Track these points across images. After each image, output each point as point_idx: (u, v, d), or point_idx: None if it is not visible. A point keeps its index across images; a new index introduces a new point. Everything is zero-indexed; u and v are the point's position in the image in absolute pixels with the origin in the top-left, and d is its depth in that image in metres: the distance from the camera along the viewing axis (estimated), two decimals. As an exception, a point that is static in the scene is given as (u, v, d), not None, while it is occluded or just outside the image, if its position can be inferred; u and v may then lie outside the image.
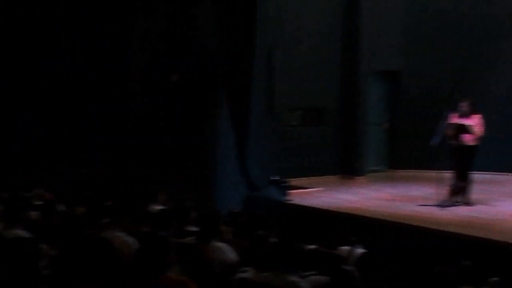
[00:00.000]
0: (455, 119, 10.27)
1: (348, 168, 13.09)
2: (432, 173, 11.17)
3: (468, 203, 10.21)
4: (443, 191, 10.06)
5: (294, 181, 11.53)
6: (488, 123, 10.49)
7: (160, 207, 7.89)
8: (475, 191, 10.70)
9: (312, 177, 12.48)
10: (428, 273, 4.98)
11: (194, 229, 6.77)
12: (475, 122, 10.15)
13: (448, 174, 10.31)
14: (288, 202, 10.56)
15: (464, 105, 10.27)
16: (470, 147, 10.24)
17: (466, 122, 10.14)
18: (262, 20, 11.23)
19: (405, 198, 10.90)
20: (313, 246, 6.95)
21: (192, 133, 10.96)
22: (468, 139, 10.18)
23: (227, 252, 6.13)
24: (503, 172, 13.42)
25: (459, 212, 9.79)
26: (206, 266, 5.68)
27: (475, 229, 8.61)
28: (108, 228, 6.24)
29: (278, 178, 10.94)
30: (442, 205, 9.98)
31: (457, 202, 10.21)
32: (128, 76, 11.36)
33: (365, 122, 13.28)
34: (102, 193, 8.36)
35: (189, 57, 10.97)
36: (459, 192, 10.26)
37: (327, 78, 12.95)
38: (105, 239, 5.98)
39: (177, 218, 7.03)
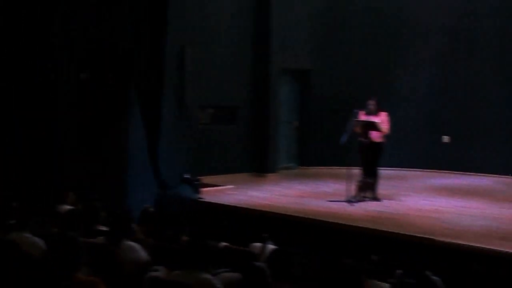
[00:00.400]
0: (363, 117, 10.53)
1: (259, 166, 13.20)
2: (341, 170, 11.40)
3: (375, 199, 10.48)
4: (352, 187, 10.28)
5: (206, 179, 11.51)
6: (394, 121, 10.80)
7: (69, 208, 7.71)
8: (383, 187, 11.01)
9: (224, 175, 12.51)
10: (337, 267, 5.07)
11: (104, 229, 6.66)
12: (382, 119, 10.44)
13: (356, 171, 10.55)
14: (200, 200, 10.53)
15: (371, 103, 10.54)
16: (378, 144, 10.52)
17: (374, 119, 10.41)
18: (173, 18, 11.14)
19: (315, 194, 11.08)
20: (225, 244, 6.97)
21: (102, 131, 10.76)
22: (375, 136, 10.46)
23: (138, 251, 6.06)
24: (409, 168, 13.86)
25: (367, 207, 10.02)
26: (117, 266, 5.59)
27: (382, 224, 8.83)
28: (15, 229, 6.06)
29: (190, 176, 10.90)
30: (351, 200, 10.20)
31: (365, 197, 10.46)
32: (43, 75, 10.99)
33: (276, 120, 13.42)
34: (8, 194, 8.09)
35: (99, 55, 10.77)
36: (367, 187, 10.52)
37: (239, 77, 13.01)
38: (12, 241, 5.80)
39: (87, 218, 6.89)
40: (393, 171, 13.23)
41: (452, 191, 11.57)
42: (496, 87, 13.44)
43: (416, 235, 8.17)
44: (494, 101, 13.46)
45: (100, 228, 6.75)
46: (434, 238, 7.99)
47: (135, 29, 10.46)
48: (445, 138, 13.91)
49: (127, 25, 10.51)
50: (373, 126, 10.34)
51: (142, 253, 6.09)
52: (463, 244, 7.72)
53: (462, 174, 13.47)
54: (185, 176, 10.83)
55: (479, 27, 13.55)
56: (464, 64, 13.71)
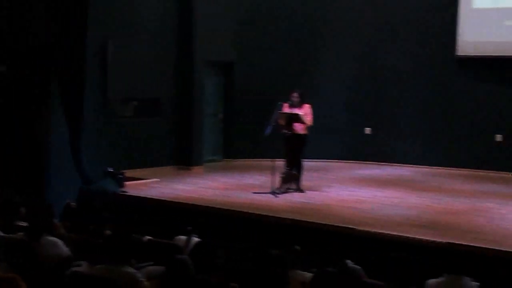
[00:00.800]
0: (286, 109, 10.65)
1: (184, 159, 13.15)
2: (266, 162, 11.50)
3: (300, 190, 10.62)
4: (276, 179, 10.38)
5: (129, 173, 11.40)
6: (317, 113, 10.96)
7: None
8: (307, 178, 11.16)
9: (148, 169, 12.39)
10: (261, 258, 5.13)
11: (23, 224, 6.52)
12: (305, 111, 10.57)
13: (281, 163, 10.66)
14: (123, 193, 10.43)
15: (295, 95, 10.66)
16: (301, 136, 10.66)
17: (297, 111, 10.53)
18: (95, 10, 10.97)
19: (240, 186, 11.14)
20: (149, 237, 6.94)
21: (23, 126, 10.52)
22: (299, 128, 10.58)
23: (60, 246, 5.97)
24: (332, 159, 14.09)
25: (292, 199, 10.14)
26: (37, 262, 5.49)
27: (306, 215, 8.96)
28: None
29: (113, 170, 10.78)
30: (275, 192, 10.30)
31: (289, 189, 10.57)
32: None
33: (201, 112, 13.39)
34: None
35: (19, 48, 10.50)
36: (291, 179, 10.64)
37: (162, 69, 12.90)
38: None
39: (5, 214, 6.74)
40: (317, 163, 13.43)
41: (374, 182, 11.84)
42: (414, 79, 13.79)
43: (338, 225, 8.34)
44: (412, 94, 13.81)
45: (20, 224, 6.62)
46: (355, 227, 8.18)
47: (55, 21, 10.24)
48: (367, 130, 14.20)
49: (47, 18, 10.29)
50: (297, 118, 10.46)
51: (63, 249, 6.00)
52: (383, 233, 7.94)
53: (384, 164, 13.79)
54: (108, 169, 10.70)
55: (399, 20, 13.86)
56: (384, 56, 14.00)
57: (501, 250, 7.26)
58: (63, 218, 7.60)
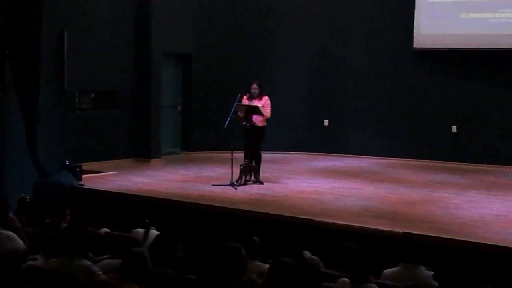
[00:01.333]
0: (245, 101, 10.65)
1: (142, 151, 13.07)
2: (225, 154, 11.50)
3: (258, 182, 10.65)
4: (235, 171, 10.39)
5: (87, 166, 11.30)
6: (275, 105, 10.99)
7: None
8: (266, 170, 11.21)
9: (106, 161, 12.30)
10: (220, 250, 5.14)
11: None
12: (263, 103, 10.59)
13: (240, 155, 10.67)
14: (80, 186, 10.32)
15: (254, 87, 10.66)
16: (260, 128, 10.67)
17: (256, 103, 10.54)
18: (51, 0, 10.82)
19: (199, 179, 11.11)
20: (106, 230, 6.90)
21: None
22: (257, 120, 10.60)
23: (15, 240, 5.91)
24: (291, 151, 14.15)
25: (251, 190, 10.16)
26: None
27: (264, 206, 8.99)
28: None
29: (70, 163, 10.66)
30: (234, 184, 10.31)
31: (248, 181, 10.59)
32: None
33: (159, 105, 13.31)
34: None
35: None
36: (250, 171, 10.66)
37: (120, 61, 12.79)
38: None
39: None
40: (275, 155, 13.48)
41: (332, 173, 11.93)
42: (372, 72, 13.92)
43: (297, 216, 8.39)
44: (370, 86, 13.94)
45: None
46: (313, 218, 8.23)
47: (9, 11, 10.06)
48: (325, 122, 14.29)
49: (1, 7, 10.09)
50: (255, 110, 10.47)
51: (18, 242, 5.94)
52: (341, 224, 8.01)
53: (341, 156, 13.89)
54: (65, 162, 10.57)
55: (356, 13, 13.96)
56: (342, 48, 14.09)
57: (456, 240, 7.38)
58: (18, 212, 7.50)
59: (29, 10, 10.08)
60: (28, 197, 8.64)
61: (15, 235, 5.92)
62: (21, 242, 5.90)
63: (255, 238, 6.09)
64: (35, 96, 10.19)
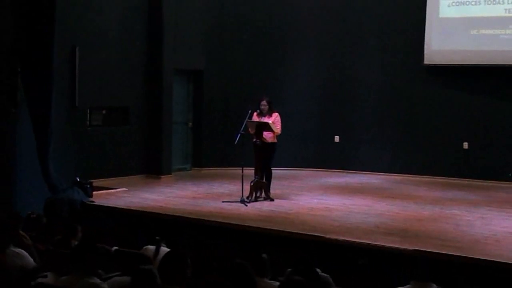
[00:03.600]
0: (256, 118, 10.66)
1: (153, 168, 13.09)
2: (236, 170, 11.49)
3: (269, 198, 10.63)
4: (246, 188, 10.38)
5: (98, 182, 11.31)
6: (285, 121, 11.00)
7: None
8: (276, 187, 11.19)
9: (117, 178, 12.32)
10: (229, 267, 5.11)
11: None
12: (274, 120, 10.60)
13: (250, 171, 10.66)
14: (91, 203, 10.33)
15: (263, 104, 10.68)
16: (270, 144, 10.67)
17: (266, 120, 10.55)
18: (63, 16, 10.88)
19: (209, 195, 11.11)
20: (116, 247, 6.88)
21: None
22: (268, 136, 10.60)
23: (25, 257, 5.90)
24: (301, 167, 14.12)
25: (261, 207, 10.15)
26: (2, 273, 5.42)
27: (275, 223, 8.97)
28: None
29: (81, 179, 10.67)
30: (244, 201, 10.30)
31: (259, 197, 10.59)
32: None
33: (170, 121, 13.35)
34: None
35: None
36: (261, 188, 10.65)
37: (131, 77, 12.85)
38: None
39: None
40: (286, 171, 13.47)
41: (343, 190, 11.90)
42: (382, 88, 13.90)
43: (307, 233, 8.35)
44: (380, 102, 13.92)
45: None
46: (324, 235, 8.20)
47: (21, 28, 10.13)
48: (336, 138, 14.27)
49: (14, 25, 10.17)
50: (266, 126, 10.48)
51: (29, 259, 5.93)
52: (351, 241, 7.97)
53: (352, 172, 13.86)
54: (76, 179, 10.59)
55: (367, 29, 13.97)
56: (352, 65, 14.10)
57: (468, 257, 7.33)
58: (28, 228, 7.49)
59: (41, 26, 10.14)
60: (34, 214, 8.64)
61: (25, 253, 5.91)
62: (31, 260, 5.90)
63: (264, 255, 6.06)
64: (47, 113, 10.22)
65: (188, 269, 5.51)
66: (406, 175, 13.44)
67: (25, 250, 6.05)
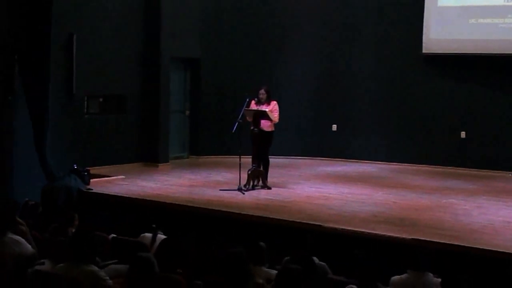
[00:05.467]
0: (253, 106, 10.65)
1: (150, 156, 13.08)
2: (233, 159, 11.48)
3: (266, 187, 10.63)
4: (243, 176, 10.37)
5: (95, 170, 11.31)
6: (283, 109, 10.99)
7: None
8: (273, 175, 11.19)
9: (114, 165, 12.30)
10: (225, 255, 5.11)
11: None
12: (272, 108, 10.58)
13: (248, 159, 10.66)
14: (88, 191, 10.33)
15: (262, 92, 10.67)
16: (268, 133, 10.67)
17: (264, 108, 10.54)
18: (60, 4, 10.84)
19: (207, 183, 11.10)
20: (114, 235, 6.89)
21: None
22: (265, 125, 10.59)
23: (22, 244, 5.89)
24: (298, 156, 14.12)
25: (258, 195, 10.15)
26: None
27: (272, 212, 8.97)
28: None
29: (78, 167, 10.66)
30: (242, 189, 10.30)
31: (256, 186, 10.59)
32: None
33: (167, 109, 13.32)
34: None
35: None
36: (258, 176, 10.65)
37: (128, 66, 12.81)
38: None
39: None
40: (283, 160, 13.45)
41: (340, 178, 11.90)
42: (380, 77, 13.87)
43: (304, 221, 8.36)
44: (378, 91, 13.90)
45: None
46: (321, 224, 8.20)
47: (18, 16, 10.09)
48: (334, 127, 14.26)
49: (10, 13, 10.12)
50: (263, 115, 10.47)
51: (26, 246, 5.92)
52: (349, 230, 7.98)
53: (350, 161, 13.86)
54: (73, 167, 10.58)
55: (364, 18, 13.92)
56: (350, 53, 14.06)
57: (464, 246, 7.34)
58: (25, 216, 7.50)
59: (38, 14, 10.10)
60: (32, 201, 8.64)
61: (23, 240, 5.91)
62: (29, 247, 5.89)
63: (261, 243, 6.07)
64: (44, 100, 10.20)
65: (184, 257, 5.53)
66: (403, 164, 13.44)
67: (22, 237, 6.04)
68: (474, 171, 12.79)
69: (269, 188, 10.61)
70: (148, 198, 9.81)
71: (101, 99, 12.59)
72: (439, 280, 5.64)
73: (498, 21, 12.78)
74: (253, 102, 10.69)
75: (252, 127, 10.54)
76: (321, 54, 14.21)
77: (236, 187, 10.34)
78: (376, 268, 5.28)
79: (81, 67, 11.75)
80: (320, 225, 8.18)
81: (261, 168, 10.71)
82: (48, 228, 6.91)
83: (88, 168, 10.84)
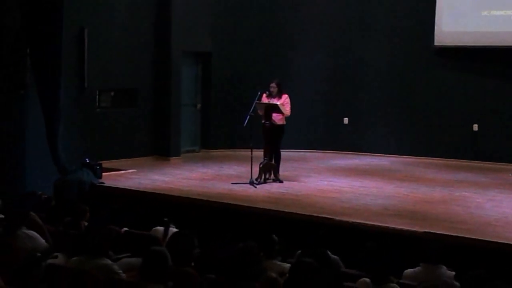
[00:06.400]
0: (265, 99, 10.63)
1: (162, 149, 13.09)
2: (245, 152, 11.48)
3: (278, 180, 10.62)
4: (254, 169, 10.37)
5: (107, 164, 11.32)
6: (295, 103, 10.96)
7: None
8: (285, 168, 11.18)
9: (126, 159, 12.32)
10: (237, 248, 5.12)
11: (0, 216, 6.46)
12: (283, 101, 10.56)
13: (259, 153, 10.65)
14: (100, 184, 10.35)
15: (273, 86, 10.64)
16: (279, 126, 10.65)
17: (275, 102, 10.52)
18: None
19: (218, 177, 11.10)
20: (126, 228, 6.91)
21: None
22: (277, 118, 10.57)
23: (36, 239, 5.93)
24: (310, 149, 14.09)
25: (270, 189, 10.15)
26: (13, 255, 5.44)
27: (284, 205, 8.97)
28: None
29: (90, 160, 10.69)
30: (253, 182, 10.29)
31: (268, 179, 10.58)
32: None
33: (179, 103, 13.33)
34: None
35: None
36: (270, 169, 10.64)
37: (140, 59, 12.82)
38: None
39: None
40: (295, 153, 13.44)
41: (352, 172, 11.87)
42: (392, 70, 13.81)
43: (316, 215, 8.35)
44: (390, 84, 13.84)
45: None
46: (334, 217, 8.19)
47: (30, 10, 10.10)
48: (345, 120, 14.22)
49: (22, 6, 10.14)
50: (275, 108, 10.45)
51: (40, 241, 5.96)
52: (361, 223, 7.96)
53: (362, 154, 13.81)
54: (85, 160, 10.61)
55: (376, 11, 13.86)
56: (362, 46, 13.98)
57: (477, 239, 7.32)
58: (38, 210, 7.52)
59: (49, 8, 10.11)
60: (45, 195, 8.67)
61: (36, 234, 5.94)
62: (43, 241, 5.92)
63: (274, 236, 6.07)
64: (56, 94, 10.22)
65: (195, 250, 5.53)
66: (415, 157, 13.38)
67: (36, 231, 6.07)
68: (486, 164, 12.73)
69: (281, 181, 10.60)
70: (159, 192, 9.83)
71: (112, 93, 12.60)
72: (453, 273, 5.63)
73: (510, 13, 12.69)
74: (264, 95, 10.68)
75: (263, 121, 10.53)
76: (332, 47, 14.15)
77: (248, 181, 10.34)
78: (389, 261, 5.27)
79: (92, 61, 11.77)
80: (332, 219, 8.16)
81: (273, 162, 10.70)
82: (61, 222, 6.93)
83: (100, 162, 10.86)
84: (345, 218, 8.17)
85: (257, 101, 10.51)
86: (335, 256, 6.17)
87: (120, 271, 5.08)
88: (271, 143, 10.65)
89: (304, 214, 8.41)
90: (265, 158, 10.59)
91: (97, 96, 12.22)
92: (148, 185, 10.34)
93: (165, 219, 6.87)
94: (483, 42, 12.86)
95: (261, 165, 10.49)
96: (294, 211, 8.58)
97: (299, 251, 6.08)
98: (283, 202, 9.19)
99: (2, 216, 6.39)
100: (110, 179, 10.71)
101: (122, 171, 11.40)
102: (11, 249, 5.49)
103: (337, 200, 9.37)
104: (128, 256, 5.82)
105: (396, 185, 10.54)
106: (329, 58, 14.16)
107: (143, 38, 12.88)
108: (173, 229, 6.76)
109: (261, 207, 8.87)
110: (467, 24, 13.02)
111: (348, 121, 14.20)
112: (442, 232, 7.49)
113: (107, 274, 4.95)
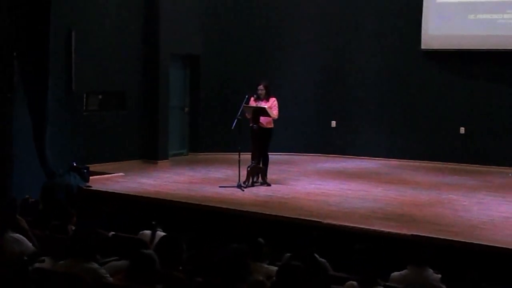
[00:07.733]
0: (253, 102, 10.64)
1: (150, 153, 13.07)
2: (232, 155, 11.48)
3: (266, 183, 10.62)
4: (242, 173, 10.37)
5: (95, 167, 11.30)
6: (282, 106, 10.98)
7: None
8: (273, 172, 11.19)
9: (114, 163, 12.29)
10: (224, 251, 5.12)
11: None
12: (271, 104, 10.57)
13: (247, 156, 10.65)
14: (88, 188, 10.32)
15: (260, 88, 10.65)
16: (267, 129, 10.66)
17: (263, 105, 10.53)
18: (59, 0, 10.82)
19: (206, 180, 11.10)
20: (113, 232, 6.89)
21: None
22: (265, 121, 10.58)
23: (23, 242, 5.90)
24: (298, 153, 14.11)
25: (258, 192, 10.14)
26: (0, 259, 5.42)
27: (272, 208, 8.97)
28: None
29: (78, 164, 10.65)
30: (241, 186, 10.29)
31: (255, 182, 10.58)
32: None
33: (166, 106, 13.31)
34: None
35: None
36: (258, 173, 10.64)
37: (127, 62, 12.79)
38: None
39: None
40: (283, 156, 13.46)
41: (339, 175, 11.90)
42: (380, 73, 13.86)
43: (304, 218, 8.36)
44: (377, 87, 13.89)
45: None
46: (321, 220, 8.20)
47: (17, 11, 10.07)
48: (333, 123, 14.25)
49: (9, 8, 10.10)
50: (263, 112, 10.46)
51: (27, 244, 5.93)
52: (348, 226, 7.98)
53: (349, 158, 13.85)
54: (73, 164, 10.57)
55: (364, 14, 13.90)
56: (349, 50, 14.04)
57: (465, 242, 7.35)
58: (25, 213, 7.49)
59: (37, 10, 10.08)
60: (32, 199, 8.63)
61: (23, 238, 5.91)
62: (30, 244, 5.89)
63: (260, 239, 6.07)
64: (43, 97, 10.18)
65: (183, 254, 5.52)
66: (403, 160, 13.45)
67: (22, 235, 6.05)
68: (473, 167, 12.80)
69: (269, 184, 10.61)
70: (147, 195, 9.81)
71: (100, 96, 12.57)
72: (439, 276, 5.65)
73: (497, 17, 12.78)
74: (252, 98, 10.68)
75: (251, 124, 10.53)
76: (320, 50, 14.19)
77: (236, 184, 10.34)
78: (376, 264, 5.29)
79: (80, 64, 11.73)
80: (319, 221, 8.18)
81: (261, 165, 10.70)
82: (48, 225, 6.91)
83: (87, 165, 10.82)
84: (332, 221, 8.18)
85: (245, 105, 10.51)
86: (323, 259, 6.18)
87: (107, 275, 5.07)
88: (259, 146, 10.65)
89: (291, 217, 8.42)
90: (253, 161, 10.59)
91: (84, 99, 12.18)
92: (135, 189, 10.31)
93: (153, 222, 6.85)
94: (470, 45, 12.94)
95: (249, 168, 10.49)
96: (282, 214, 8.58)
97: (287, 254, 6.09)
98: (271, 206, 9.20)
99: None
100: (98, 182, 10.68)
101: (110, 175, 11.36)
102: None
103: (324, 203, 9.38)
104: (116, 260, 5.80)
105: (384, 188, 10.57)
106: (317, 61, 14.19)
107: (131, 41, 12.86)
108: (160, 233, 6.74)
109: (249, 210, 8.86)
110: (454, 27, 13.10)
111: (336, 124, 14.23)
112: (430, 235, 7.52)
113: (94, 278, 4.94)
